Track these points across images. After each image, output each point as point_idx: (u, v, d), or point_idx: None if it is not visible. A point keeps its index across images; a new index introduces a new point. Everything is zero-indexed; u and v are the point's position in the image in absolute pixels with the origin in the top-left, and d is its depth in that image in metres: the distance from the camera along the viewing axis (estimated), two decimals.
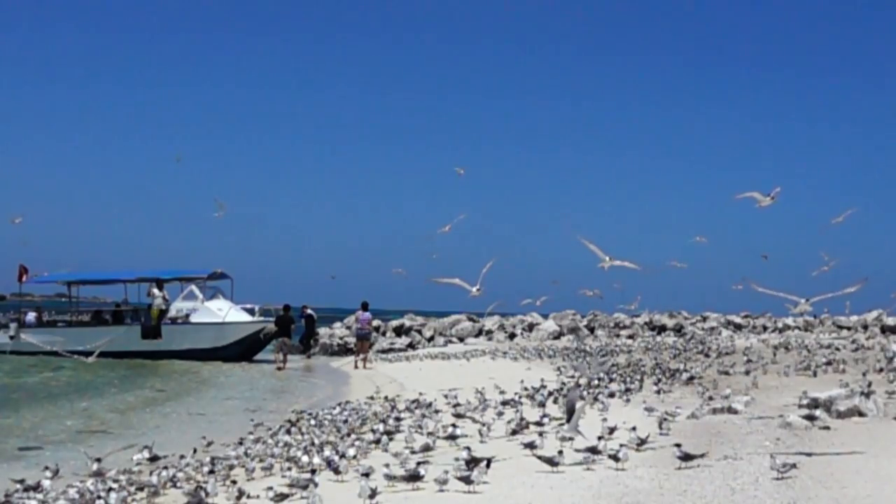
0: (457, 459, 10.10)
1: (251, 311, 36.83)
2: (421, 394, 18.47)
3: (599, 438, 11.00)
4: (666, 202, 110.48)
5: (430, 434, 12.95)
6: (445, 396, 17.59)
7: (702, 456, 10.12)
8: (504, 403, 16.10)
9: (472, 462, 9.99)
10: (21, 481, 10.64)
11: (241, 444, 13.41)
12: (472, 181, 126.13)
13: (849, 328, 36.36)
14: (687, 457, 10.02)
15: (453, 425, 13.47)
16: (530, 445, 10.92)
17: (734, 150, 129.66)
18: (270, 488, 9.50)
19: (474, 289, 16.27)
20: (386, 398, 18.68)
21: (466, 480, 9.30)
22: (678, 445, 10.25)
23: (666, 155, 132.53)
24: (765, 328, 39.93)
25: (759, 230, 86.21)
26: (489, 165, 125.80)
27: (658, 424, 12.64)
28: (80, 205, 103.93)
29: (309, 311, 37.36)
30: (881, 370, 18.86)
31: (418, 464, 9.95)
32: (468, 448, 10.56)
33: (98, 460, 11.65)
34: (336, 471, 10.52)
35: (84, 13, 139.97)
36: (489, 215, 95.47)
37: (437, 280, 17.39)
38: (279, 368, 31.15)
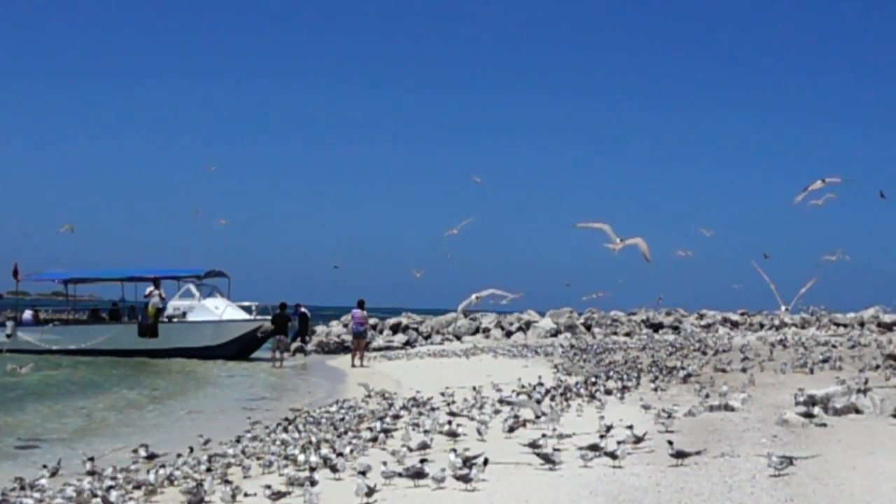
0: (452, 458, 10.11)
1: (248, 310, 36.83)
2: (418, 392, 18.49)
3: (601, 437, 11.01)
4: (669, 201, 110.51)
5: (426, 432, 12.96)
6: (442, 394, 17.60)
7: (696, 454, 10.12)
8: (501, 401, 16.12)
9: (467, 461, 10.03)
10: (19, 479, 10.63)
11: (238, 442, 13.40)
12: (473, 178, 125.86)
13: (845, 325, 36.42)
14: (680, 454, 10.02)
15: (449, 423, 13.50)
16: (533, 444, 10.92)
17: (738, 150, 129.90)
18: (268, 486, 9.50)
19: (473, 297, 16.47)
20: (383, 396, 18.69)
21: (465, 479, 9.30)
22: (671, 443, 10.26)
23: (670, 154, 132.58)
24: (762, 325, 39.99)
25: (759, 229, 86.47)
26: (490, 163, 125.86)
27: (660, 421, 12.67)
28: (78, 203, 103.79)
29: (303, 310, 37.32)
30: (878, 367, 18.87)
31: (422, 461, 9.94)
32: (454, 450, 10.62)
33: (91, 459, 11.62)
34: (333, 469, 10.52)
35: (83, 12, 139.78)
36: (492, 213, 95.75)
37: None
38: (276, 366, 31.14)
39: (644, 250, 15.15)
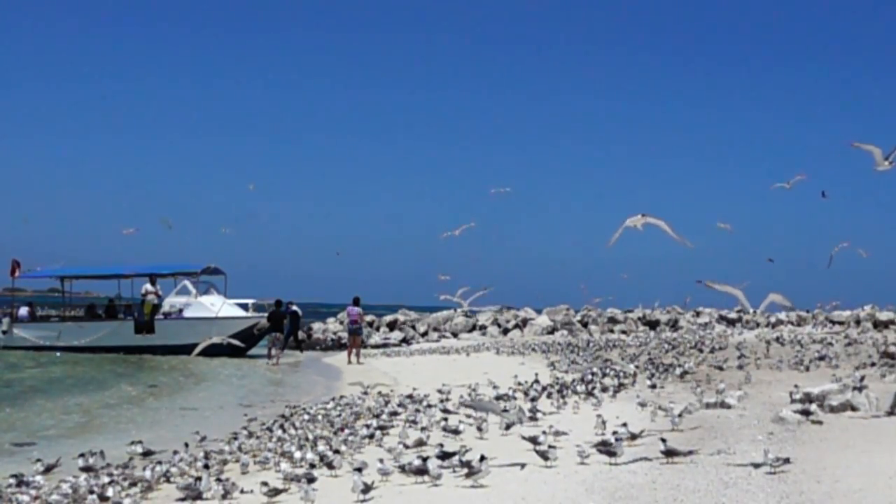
0: (442, 457, 10.12)
1: (244, 307, 36.79)
2: (415, 389, 18.50)
3: (613, 433, 10.98)
4: (673, 200, 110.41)
5: (423, 429, 12.97)
6: (439, 391, 17.61)
7: (688, 453, 10.07)
8: (498, 398, 16.14)
9: (446, 456, 10.10)
10: (19, 476, 10.61)
11: (234, 439, 13.39)
12: (473, 178, 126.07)
13: (842, 323, 36.48)
14: (671, 452, 9.99)
15: (445, 419, 13.51)
16: (533, 440, 10.94)
17: (743, 149, 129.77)
18: (265, 483, 9.50)
19: (465, 303, 16.71)
20: (379, 393, 18.69)
21: (471, 474, 9.27)
22: (664, 441, 10.25)
23: (674, 153, 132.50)
24: (758, 324, 40.04)
25: (761, 229, 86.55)
26: (492, 161, 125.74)
27: (656, 419, 12.67)
28: (74, 200, 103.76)
29: (294, 308, 37.24)
30: (874, 365, 18.91)
31: (424, 459, 9.93)
32: (441, 444, 10.63)
33: (82, 455, 11.61)
34: (330, 466, 10.53)
35: (83, 12, 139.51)
36: (493, 212, 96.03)
37: (441, 295, 17.88)
38: (272, 364, 31.12)
39: (669, 231, 15.09)
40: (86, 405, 19.87)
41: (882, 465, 9.43)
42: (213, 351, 33.99)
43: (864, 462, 9.59)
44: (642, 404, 14.15)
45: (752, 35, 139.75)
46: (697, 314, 43.61)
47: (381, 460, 10.15)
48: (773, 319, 39.81)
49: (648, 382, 17.50)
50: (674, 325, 42.18)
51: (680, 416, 12.51)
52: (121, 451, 12.84)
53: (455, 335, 41.80)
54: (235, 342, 26.54)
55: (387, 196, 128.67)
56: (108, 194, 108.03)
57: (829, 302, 39.26)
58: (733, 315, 42.31)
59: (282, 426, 14.36)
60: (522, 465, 10.10)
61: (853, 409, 12.90)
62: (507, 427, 12.74)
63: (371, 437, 12.61)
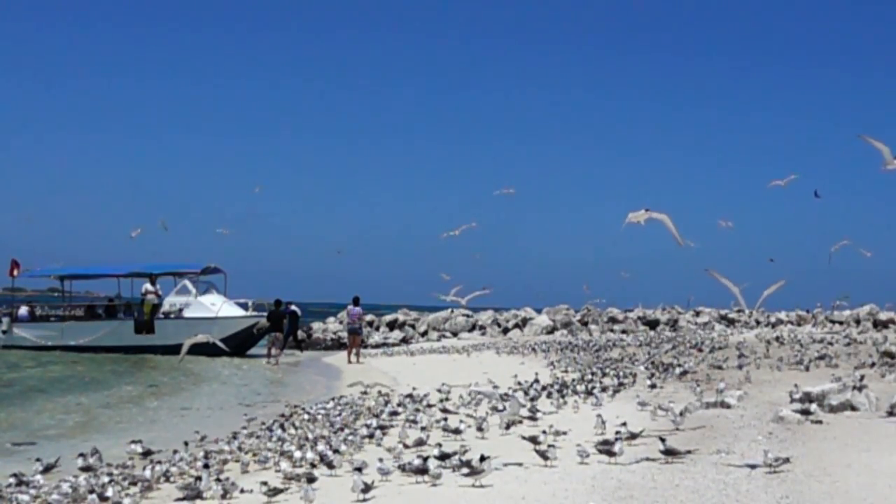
0: (442, 457, 10.12)
1: (244, 306, 36.79)
2: (414, 388, 18.50)
3: (616, 433, 10.98)
4: (675, 200, 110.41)
5: (423, 429, 12.97)
6: (439, 391, 17.61)
7: (687, 453, 10.07)
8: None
9: (445, 456, 10.10)
10: (19, 475, 10.60)
11: (234, 438, 13.39)
12: (474, 178, 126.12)
13: (841, 322, 36.47)
14: (669, 452, 9.98)
15: (445, 419, 13.50)
16: (533, 440, 10.92)
17: (745, 150, 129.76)
18: (265, 483, 9.50)
19: (464, 301, 16.91)
20: (379, 393, 18.69)
21: (474, 473, 9.27)
22: (663, 440, 10.24)
23: (676, 153, 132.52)
24: (758, 322, 40.04)
25: (762, 228, 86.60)
26: (493, 161, 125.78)
27: (656, 418, 12.65)
28: (74, 199, 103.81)
29: (293, 308, 37.25)
30: (873, 364, 18.90)
31: (424, 458, 9.93)
32: (439, 444, 10.64)
33: (81, 455, 11.60)
34: (330, 465, 10.54)
35: (83, 11, 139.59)
36: (495, 211, 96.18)
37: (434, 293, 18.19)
38: (272, 363, 31.13)
39: (671, 227, 15.09)
40: (86, 405, 19.88)
41: (882, 465, 9.43)
42: (212, 351, 34.02)
43: (864, 462, 9.58)
44: (642, 404, 14.14)
45: (753, 34, 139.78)
46: (697, 314, 43.61)
47: (381, 460, 10.15)
48: (772, 319, 39.81)
49: (648, 382, 17.50)
50: (673, 324, 42.19)
51: (680, 415, 12.49)
52: (121, 450, 12.84)
53: (455, 335, 41.80)
54: (221, 344, 26.03)
55: (388, 196, 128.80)
56: (108, 194, 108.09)
57: (834, 300, 39.17)
58: (733, 315, 42.32)
59: (282, 426, 14.36)
60: (522, 465, 10.11)
61: (853, 408, 12.89)
62: (508, 427, 12.74)
63: (371, 436, 12.61)
